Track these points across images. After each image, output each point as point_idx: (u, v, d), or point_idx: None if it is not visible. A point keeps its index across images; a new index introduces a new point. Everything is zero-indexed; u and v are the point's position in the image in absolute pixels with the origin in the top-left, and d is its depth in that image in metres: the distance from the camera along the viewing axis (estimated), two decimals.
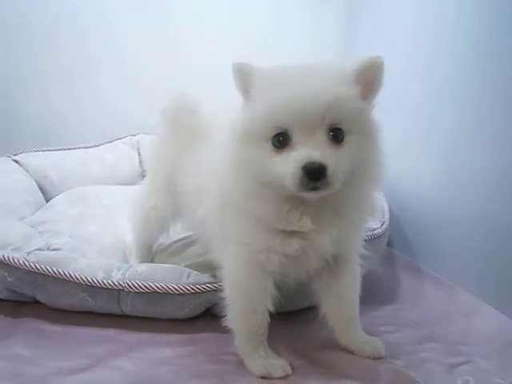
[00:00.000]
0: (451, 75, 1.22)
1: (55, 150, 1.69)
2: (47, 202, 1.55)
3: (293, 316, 1.00)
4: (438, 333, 0.98)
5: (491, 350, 0.90)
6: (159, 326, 0.95)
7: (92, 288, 0.93)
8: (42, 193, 1.59)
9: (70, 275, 0.93)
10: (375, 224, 1.16)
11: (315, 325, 0.95)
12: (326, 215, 0.77)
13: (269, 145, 0.72)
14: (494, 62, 1.07)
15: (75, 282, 0.93)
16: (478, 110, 1.13)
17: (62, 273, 0.93)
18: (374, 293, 1.17)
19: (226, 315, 0.84)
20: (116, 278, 0.94)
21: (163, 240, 1.24)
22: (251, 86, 0.76)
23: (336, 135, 0.72)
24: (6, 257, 0.95)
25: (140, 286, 0.92)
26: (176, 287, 0.93)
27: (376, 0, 1.69)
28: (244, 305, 0.83)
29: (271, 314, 0.84)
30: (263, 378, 0.80)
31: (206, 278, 0.96)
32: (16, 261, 0.95)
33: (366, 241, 1.07)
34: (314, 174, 0.68)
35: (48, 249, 1.08)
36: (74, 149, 1.73)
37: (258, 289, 0.82)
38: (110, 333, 0.93)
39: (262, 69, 0.76)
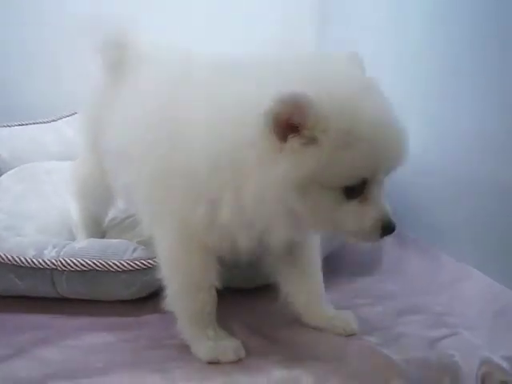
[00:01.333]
0: (430, 34, 1.13)
1: (7, 126, 1.55)
2: None
3: (249, 292, 0.88)
4: (421, 304, 0.87)
5: (479, 321, 0.80)
6: (101, 309, 0.83)
7: (20, 268, 0.81)
8: None
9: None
10: None
11: (275, 300, 0.81)
12: None
13: (339, 192, 0.60)
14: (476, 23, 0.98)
15: (0, 262, 0.81)
16: (459, 73, 1.04)
17: None
18: (352, 264, 1.07)
19: (165, 297, 0.72)
20: (49, 256, 0.82)
21: (116, 214, 1.11)
22: (320, 124, 0.56)
23: None
24: None
25: (75, 264, 0.80)
26: (118, 263, 0.81)
27: None
28: (185, 282, 0.71)
29: (222, 291, 0.72)
30: (212, 363, 0.68)
31: (146, 253, 0.84)
32: None
33: None
34: (390, 233, 0.63)
35: None
36: (29, 124, 1.59)
37: (198, 263, 0.71)
38: (43, 318, 0.81)
39: (329, 103, 0.56)
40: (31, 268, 0.81)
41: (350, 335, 0.75)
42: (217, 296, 0.72)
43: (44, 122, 1.63)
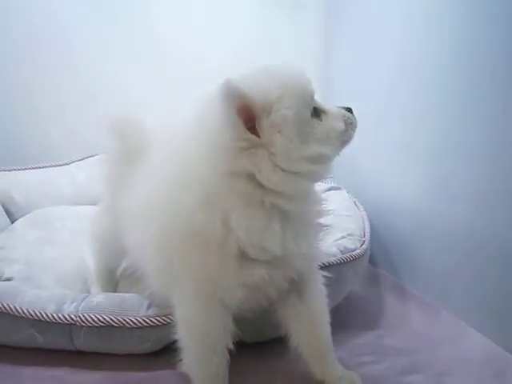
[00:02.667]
0: (436, 87, 1.17)
1: (21, 169, 1.60)
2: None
3: (262, 349, 0.91)
4: (422, 361, 0.91)
5: (478, 382, 0.83)
6: (117, 363, 0.87)
7: (41, 323, 0.85)
8: (8, 215, 1.51)
9: (16, 309, 0.85)
10: (353, 244, 1.09)
11: (288, 358, 0.85)
12: (297, 228, 0.72)
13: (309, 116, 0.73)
14: (480, 73, 1.02)
15: (22, 317, 0.84)
16: (462, 122, 1.07)
17: (7, 307, 0.85)
18: (355, 317, 1.10)
19: (181, 359, 0.75)
20: (68, 310, 0.86)
21: (128, 264, 1.15)
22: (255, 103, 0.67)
23: None
24: None
25: (94, 320, 0.84)
26: (134, 320, 0.85)
27: (355, 5, 1.64)
28: (201, 345, 0.75)
29: (238, 347, 0.75)
30: None
31: (168, 309, 0.87)
32: None
33: (344, 262, 1.02)
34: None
35: (0, 278, 0.99)
36: (42, 168, 1.64)
37: (217, 326, 0.74)
38: (60, 373, 0.84)
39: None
40: (51, 323, 0.84)
41: None
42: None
43: (56, 166, 1.68)
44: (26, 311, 0.85)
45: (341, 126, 0.75)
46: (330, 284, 0.94)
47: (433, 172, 1.19)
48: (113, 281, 1.11)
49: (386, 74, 1.41)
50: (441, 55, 1.14)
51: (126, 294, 0.94)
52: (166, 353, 0.88)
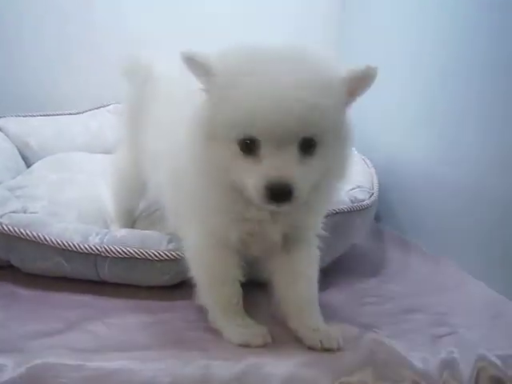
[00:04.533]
0: (441, 56, 1.19)
1: (36, 115, 1.64)
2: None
3: None
4: (424, 304, 0.95)
5: (477, 322, 0.88)
6: (137, 293, 0.92)
7: (68, 252, 0.89)
8: (23, 159, 1.55)
9: (45, 238, 0.89)
10: (363, 195, 1.13)
11: None
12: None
13: (234, 147, 0.65)
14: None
15: (50, 246, 0.89)
16: (468, 83, 1.10)
17: (37, 236, 0.89)
18: (360, 266, 1.15)
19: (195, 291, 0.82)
20: (93, 242, 0.90)
21: (145, 206, 1.20)
22: (210, 78, 0.66)
23: (308, 146, 0.66)
24: None
25: (118, 251, 0.89)
26: (155, 253, 0.89)
27: None
28: (211, 278, 0.80)
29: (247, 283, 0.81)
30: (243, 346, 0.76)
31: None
32: None
33: (354, 211, 1.06)
34: (279, 196, 0.64)
35: (24, 212, 1.03)
36: (57, 115, 1.68)
37: (222, 260, 0.79)
38: (86, 298, 0.90)
39: (223, 56, 0.66)
40: (77, 252, 0.89)
41: (326, 349, 0.75)
42: (242, 289, 0.81)
43: (71, 114, 1.71)
44: (54, 240, 0.89)
45: (255, 185, 0.65)
46: (338, 230, 1.00)
47: (439, 132, 1.22)
48: (131, 220, 1.16)
49: (398, 36, 1.43)
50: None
51: (148, 231, 0.99)
52: (184, 286, 0.93)
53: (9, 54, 1.72)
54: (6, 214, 0.95)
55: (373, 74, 0.67)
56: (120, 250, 0.89)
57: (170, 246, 0.92)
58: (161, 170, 0.87)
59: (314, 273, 0.84)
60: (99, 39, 1.76)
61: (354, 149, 1.44)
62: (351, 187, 1.15)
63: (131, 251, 0.89)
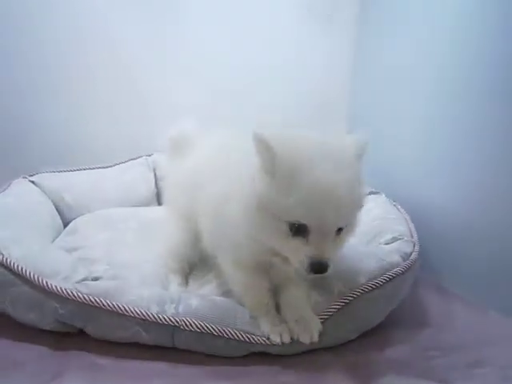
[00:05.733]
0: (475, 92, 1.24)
1: (71, 170, 1.66)
2: (64, 225, 1.53)
3: None
4: (486, 356, 0.98)
5: None
6: (211, 359, 0.94)
7: (147, 322, 0.92)
8: (59, 215, 1.56)
9: (125, 308, 0.92)
10: (408, 247, 1.15)
11: None
12: None
13: (285, 226, 0.81)
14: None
15: (130, 316, 0.91)
16: (499, 122, 1.15)
17: (116, 306, 0.92)
18: (407, 316, 1.16)
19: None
20: (170, 312, 0.93)
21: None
22: (274, 164, 0.80)
23: (339, 231, 0.84)
24: (58, 287, 0.93)
25: (196, 326, 0.91)
26: (232, 332, 0.92)
27: (387, 11, 1.74)
28: (242, 289, 0.98)
29: None
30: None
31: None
32: (69, 292, 0.92)
33: (407, 270, 1.08)
34: (319, 271, 0.81)
35: (93, 280, 1.04)
36: (89, 169, 1.70)
37: (249, 276, 0.96)
38: (163, 366, 0.91)
39: (288, 147, 0.80)
40: (156, 323, 0.91)
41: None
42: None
43: (102, 167, 1.73)
44: (133, 310, 0.92)
45: (301, 260, 0.82)
46: (393, 293, 1.05)
47: (477, 178, 1.25)
48: (186, 280, 1.19)
49: (420, 91, 1.50)
50: (467, 58, 1.24)
51: (217, 298, 1.01)
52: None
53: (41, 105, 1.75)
54: (80, 281, 0.98)
55: (366, 142, 0.87)
56: (198, 325, 0.91)
57: (246, 327, 0.94)
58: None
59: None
60: (127, 96, 1.82)
61: (383, 195, 1.53)
62: (392, 236, 1.20)
63: (209, 327, 0.91)
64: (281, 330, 0.91)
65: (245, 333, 0.92)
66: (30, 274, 0.95)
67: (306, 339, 0.89)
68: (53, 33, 1.69)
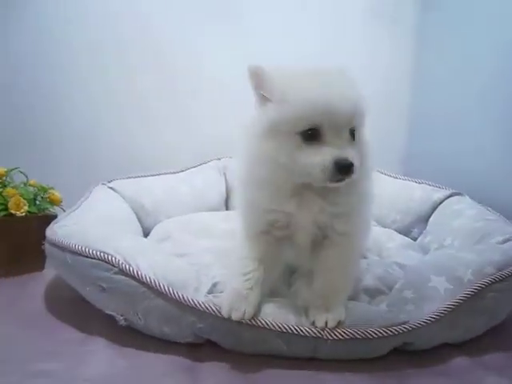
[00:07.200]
0: None
1: (146, 176, 1.65)
2: (144, 230, 1.51)
3: None
4: None
5: None
6: (356, 364, 0.91)
7: (287, 335, 0.89)
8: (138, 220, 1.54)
9: (266, 323, 0.89)
10: None
11: None
12: (311, 198, 0.88)
13: (298, 138, 0.81)
14: None
15: (270, 329, 0.89)
16: None
17: (256, 320, 0.89)
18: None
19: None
20: (309, 323, 0.91)
21: None
22: (273, 85, 0.83)
23: (352, 134, 0.84)
24: (195, 301, 0.91)
25: (341, 334, 0.89)
26: (375, 331, 0.89)
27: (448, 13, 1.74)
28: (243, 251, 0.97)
29: None
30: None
31: (400, 318, 0.92)
32: (207, 306, 0.90)
33: None
34: (346, 170, 0.80)
35: (212, 284, 1.04)
36: (163, 174, 1.69)
37: (253, 244, 0.96)
38: (308, 372, 0.89)
39: (282, 70, 0.85)
40: (297, 335, 0.89)
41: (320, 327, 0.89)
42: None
43: (175, 172, 1.72)
44: (274, 324, 0.89)
45: (323, 163, 0.80)
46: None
47: None
48: None
49: (477, 99, 1.52)
50: None
51: (357, 303, 1.00)
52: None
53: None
54: (211, 292, 0.98)
55: None
56: (343, 333, 0.89)
57: (386, 322, 0.91)
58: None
59: (338, 269, 0.95)
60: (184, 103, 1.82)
61: (467, 196, 1.50)
62: (503, 238, 1.16)
63: (353, 333, 0.89)
64: (239, 308, 0.89)
65: (385, 328, 0.90)
66: (163, 286, 0.92)
67: (320, 323, 0.89)
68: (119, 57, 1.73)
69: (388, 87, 1.98)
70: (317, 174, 0.81)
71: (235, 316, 0.88)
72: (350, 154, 0.81)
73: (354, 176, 0.82)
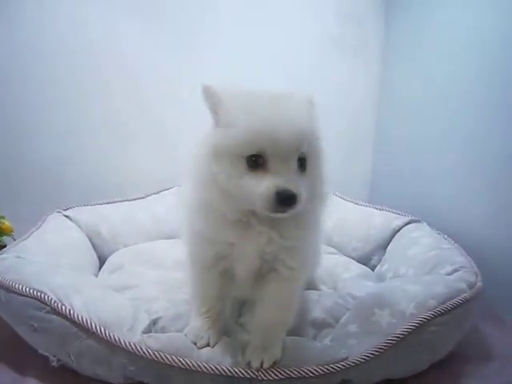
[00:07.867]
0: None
1: (104, 203, 1.62)
2: (100, 260, 1.48)
3: None
4: None
5: None
6: None
7: (221, 377, 0.86)
8: (94, 249, 1.51)
9: (198, 365, 0.86)
10: (472, 277, 1.10)
11: None
12: (259, 228, 0.85)
13: (243, 162, 0.78)
14: None
15: (203, 372, 0.86)
16: None
17: (190, 363, 0.86)
18: (471, 349, 1.11)
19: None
20: (245, 363, 0.88)
21: None
22: (221, 107, 0.81)
23: (302, 164, 0.81)
24: (126, 342, 0.87)
25: (276, 374, 0.86)
26: (311, 370, 0.87)
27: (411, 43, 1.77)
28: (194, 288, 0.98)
29: None
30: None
31: (341, 354, 0.90)
32: (138, 348, 0.87)
33: (472, 298, 1.03)
34: (288, 201, 0.76)
35: (152, 320, 1.01)
36: (122, 201, 1.66)
37: (202, 278, 0.96)
38: None
39: (232, 92, 0.82)
40: (230, 377, 0.86)
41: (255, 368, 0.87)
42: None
43: (135, 199, 1.70)
44: (207, 366, 0.86)
45: (265, 193, 0.76)
46: (462, 319, 1.01)
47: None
48: None
49: (441, 124, 1.54)
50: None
51: (295, 339, 0.97)
52: None
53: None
54: (146, 332, 0.93)
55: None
56: (278, 373, 0.86)
57: (327, 358, 0.89)
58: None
59: (285, 304, 0.93)
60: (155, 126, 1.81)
61: (425, 223, 1.49)
62: (452, 268, 1.15)
63: (288, 372, 0.86)
64: (203, 337, 0.92)
65: (328, 364, 0.88)
66: (94, 326, 0.90)
67: (255, 364, 0.87)
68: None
69: (352, 111, 2.00)
70: (258, 203, 0.77)
71: (200, 344, 0.91)
72: (294, 185, 0.77)
73: (299, 208, 0.77)
